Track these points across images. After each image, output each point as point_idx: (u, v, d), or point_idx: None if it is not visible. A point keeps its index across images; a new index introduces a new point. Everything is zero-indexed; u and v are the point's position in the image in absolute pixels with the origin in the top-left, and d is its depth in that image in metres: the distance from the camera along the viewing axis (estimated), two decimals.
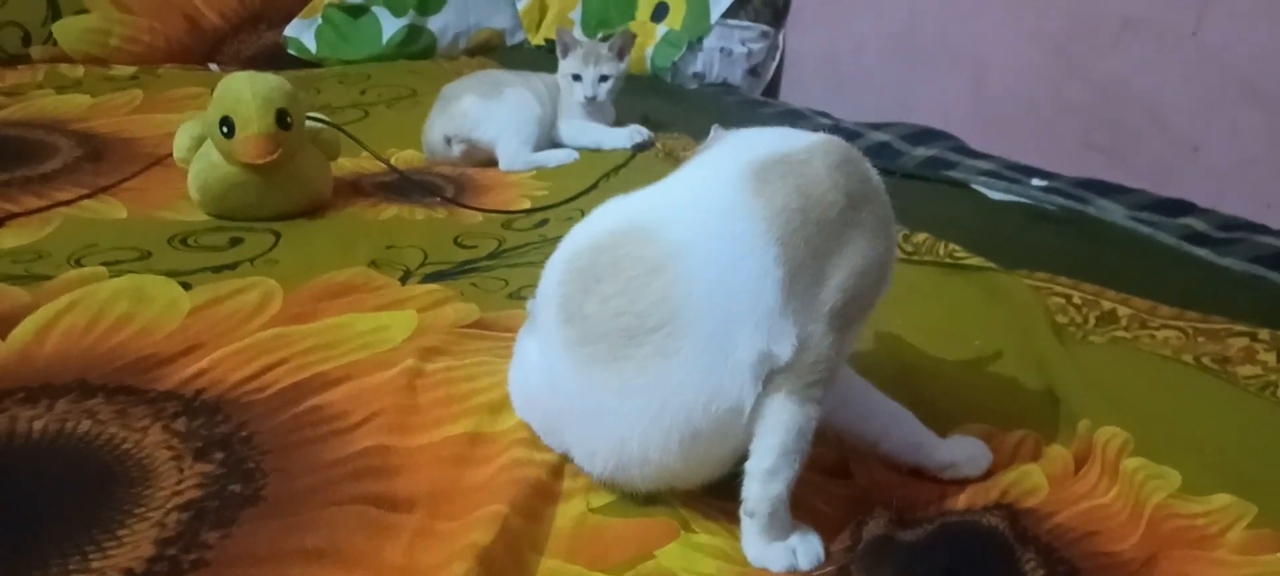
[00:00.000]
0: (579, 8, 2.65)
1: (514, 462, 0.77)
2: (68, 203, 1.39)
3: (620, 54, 1.79)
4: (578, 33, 1.86)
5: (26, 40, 2.29)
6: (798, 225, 0.69)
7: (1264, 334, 1.01)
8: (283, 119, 1.36)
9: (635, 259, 0.70)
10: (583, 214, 1.41)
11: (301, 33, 2.56)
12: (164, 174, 1.52)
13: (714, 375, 0.68)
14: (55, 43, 2.31)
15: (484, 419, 0.84)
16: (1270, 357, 0.97)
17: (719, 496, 0.74)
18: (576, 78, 1.76)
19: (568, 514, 0.74)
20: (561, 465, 0.78)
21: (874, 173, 0.76)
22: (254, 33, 2.55)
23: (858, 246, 0.71)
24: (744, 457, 0.71)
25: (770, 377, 0.69)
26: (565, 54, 1.78)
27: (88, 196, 1.42)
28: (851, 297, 0.71)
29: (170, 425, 0.81)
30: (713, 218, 0.71)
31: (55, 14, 2.32)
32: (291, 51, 2.55)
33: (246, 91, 1.35)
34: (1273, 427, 0.87)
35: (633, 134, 1.80)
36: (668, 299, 0.68)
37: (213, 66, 2.46)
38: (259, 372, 0.91)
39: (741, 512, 0.71)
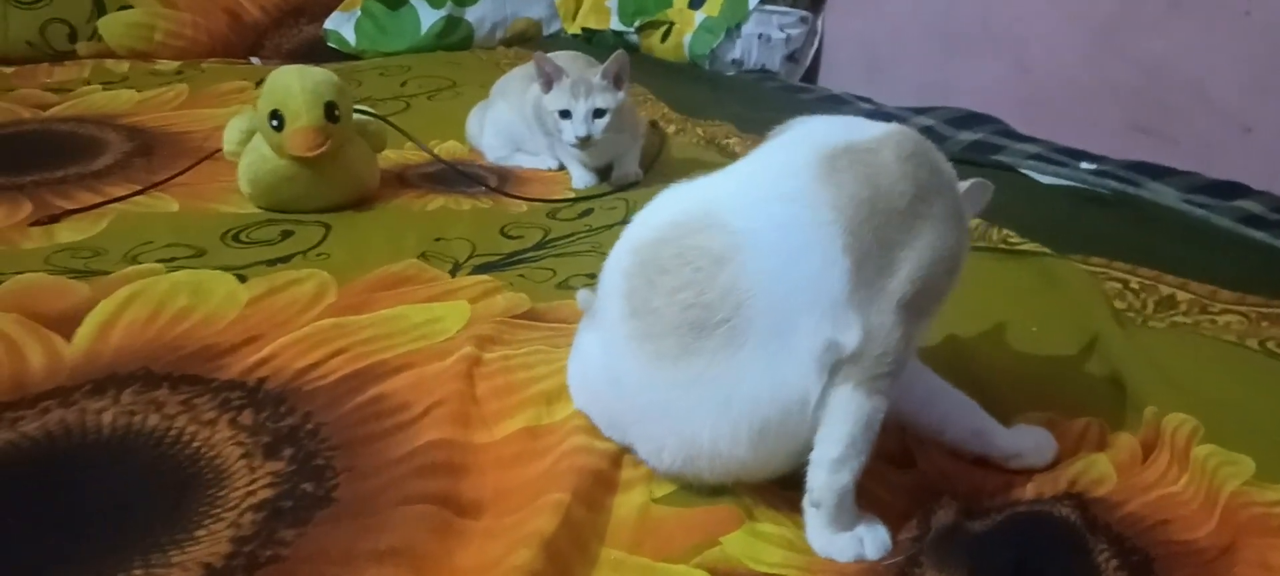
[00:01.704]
0: None
1: (574, 450, 0.77)
2: (122, 198, 1.40)
3: (617, 82, 1.48)
4: (566, 63, 1.55)
5: (73, 36, 2.33)
6: (866, 215, 0.69)
7: None
8: (331, 112, 1.37)
9: (700, 250, 0.70)
10: (627, 204, 1.45)
11: (341, 26, 2.58)
12: (213, 167, 1.53)
13: (780, 365, 0.68)
14: (101, 38, 2.35)
15: (542, 409, 0.84)
16: None
17: (783, 486, 0.74)
18: (565, 115, 1.47)
19: (629, 503, 0.74)
20: (620, 454, 0.78)
21: (946, 164, 0.76)
22: (294, 26, 2.57)
23: (928, 238, 0.70)
24: (809, 449, 0.70)
25: (837, 368, 0.69)
26: (547, 86, 1.49)
27: (140, 192, 1.43)
28: (921, 289, 0.70)
29: (237, 418, 0.82)
30: (778, 206, 0.71)
31: (100, 10, 2.35)
32: (331, 44, 2.57)
33: (295, 85, 1.36)
34: None
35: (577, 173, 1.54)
36: (734, 290, 0.68)
37: (254, 60, 2.49)
38: (320, 361, 0.92)
39: (806, 503, 0.71)
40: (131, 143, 1.70)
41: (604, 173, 1.57)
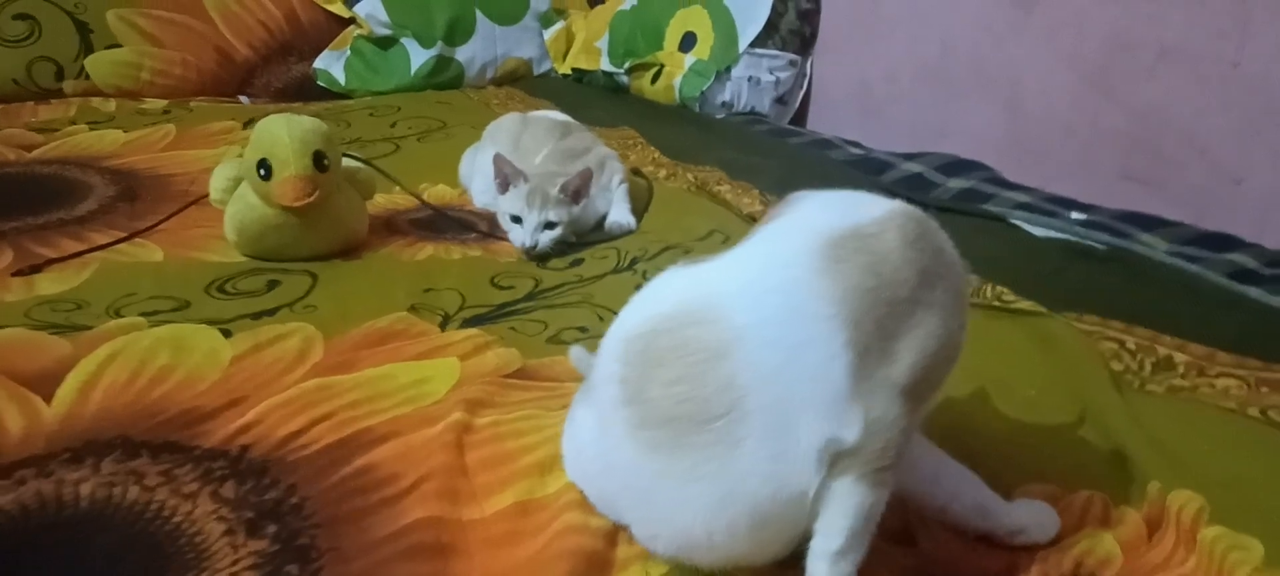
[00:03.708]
0: (606, 37, 2.64)
1: (567, 530, 0.75)
2: (104, 247, 1.38)
3: (575, 197, 1.45)
4: (544, 131, 1.57)
5: (60, 75, 2.31)
6: (868, 305, 0.67)
7: None
8: (319, 161, 1.35)
9: (698, 342, 0.68)
10: (618, 253, 1.44)
11: (331, 65, 2.57)
12: (198, 214, 1.51)
13: (780, 463, 0.66)
14: (87, 77, 2.33)
15: (535, 481, 0.82)
16: None
17: (781, 566, 0.72)
18: (515, 220, 1.43)
19: None
20: (615, 532, 0.76)
21: (949, 245, 0.74)
22: (284, 65, 2.56)
23: (929, 326, 0.69)
24: (808, 534, 0.69)
25: (836, 460, 0.67)
26: (505, 188, 1.45)
27: (124, 240, 1.41)
28: (921, 378, 0.68)
29: (219, 490, 0.80)
30: (778, 298, 0.69)
31: (87, 48, 2.33)
32: (321, 83, 2.56)
33: (283, 134, 1.34)
34: None
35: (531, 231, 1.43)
36: (732, 386, 0.66)
37: (243, 99, 2.48)
38: (304, 428, 0.90)
39: None
40: (115, 186, 1.68)
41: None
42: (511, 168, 1.45)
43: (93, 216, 1.52)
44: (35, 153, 1.88)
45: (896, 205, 0.74)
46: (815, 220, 0.73)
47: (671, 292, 0.74)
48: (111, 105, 2.26)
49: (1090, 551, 0.76)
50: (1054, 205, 1.67)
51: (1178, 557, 0.75)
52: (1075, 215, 1.63)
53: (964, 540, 0.78)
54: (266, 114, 2.17)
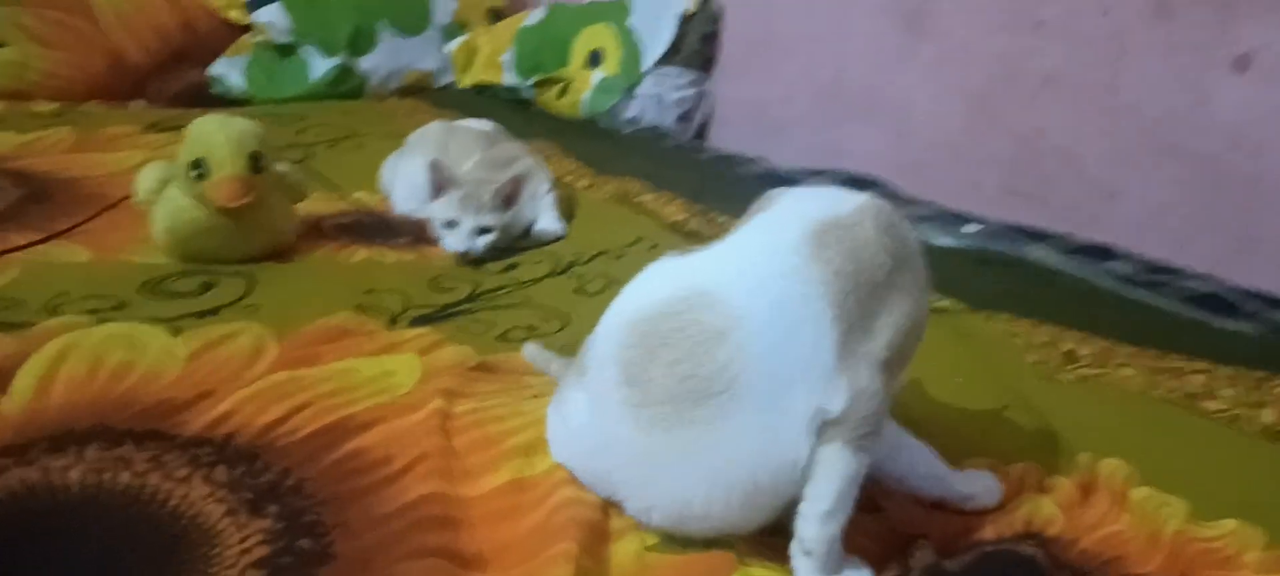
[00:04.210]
0: (511, 51, 2.68)
1: (566, 503, 0.79)
2: (22, 247, 1.34)
3: (507, 202, 1.49)
4: (472, 140, 1.61)
5: None
6: (851, 288, 0.74)
7: (1220, 370, 1.10)
8: (256, 162, 1.35)
9: (699, 325, 0.73)
10: (553, 257, 1.48)
11: (228, 71, 2.52)
12: (118, 216, 1.49)
13: (774, 433, 0.72)
14: None
15: (523, 462, 0.86)
16: (1230, 392, 1.06)
17: (767, 533, 0.78)
18: (450, 225, 1.46)
19: (625, 551, 0.76)
20: (607, 506, 0.80)
21: (912, 233, 0.82)
22: (178, 71, 2.50)
23: (902, 304, 0.76)
24: (795, 503, 0.74)
25: (825, 429, 0.73)
26: (438, 192, 1.47)
27: (44, 240, 1.37)
28: (896, 351, 0.75)
29: (211, 474, 0.80)
30: (773, 284, 0.75)
31: None
32: (216, 91, 2.51)
33: (219, 134, 1.33)
34: (1250, 457, 0.95)
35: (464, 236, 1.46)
36: (731, 364, 0.72)
37: (138, 103, 2.40)
38: (285, 416, 0.91)
39: (796, 551, 0.75)
40: (22, 188, 1.62)
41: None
42: (446, 173, 1.48)
43: (6, 217, 1.47)
44: None
45: (868, 197, 0.81)
46: (799, 212, 0.79)
47: (668, 281, 0.79)
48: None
49: (1035, 512, 0.84)
50: (949, 218, 1.80)
51: (1112, 515, 0.84)
52: (967, 228, 1.75)
53: (922, 506, 0.85)
54: (158, 120, 2.15)
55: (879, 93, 2.24)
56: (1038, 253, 1.63)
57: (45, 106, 2.22)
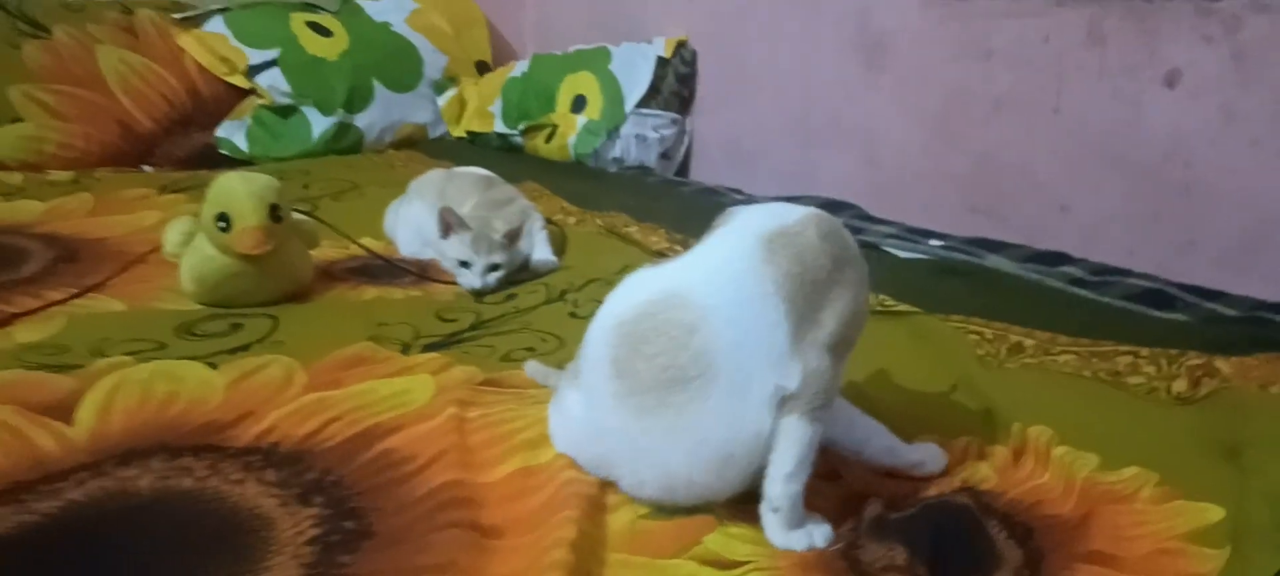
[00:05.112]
0: (499, 102, 2.83)
1: (568, 482, 0.92)
2: (63, 301, 1.47)
3: (511, 241, 1.64)
4: (471, 185, 1.78)
5: None
6: (798, 285, 0.88)
7: (1144, 351, 1.24)
8: (274, 212, 1.48)
9: (674, 321, 0.87)
10: (547, 288, 1.61)
11: (232, 133, 2.66)
12: (145, 269, 1.61)
13: (741, 408, 0.86)
14: None
15: (529, 454, 0.99)
16: (1151, 369, 1.20)
17: (741, 501, 0.91)
18: (464, 265, 1.61)
19: (621, 520, 0.89)
20: (605, 484, 0.93)
21: (851, 239, 0.95)
22: (185, 135, 2.64)
23: (843, 298, 0.90)
24: (762, 471, 0.88)
25: (783, 404, 0.87)
26: (446, 233, 1.61)
27: (82, 293, 1.50)
28: (839, 336, 0.89)
29: (262, 476, 0.93)
30: (733, 284, 0.88)
31: None
32: (223, 151, 2.65)
33: (241, 189, 1.47)
34: (1159, 419, 1.09)
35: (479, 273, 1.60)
36: (703, 352, 0.85)
37: (146, 168, 2.54)
38: (320, 428, 1.04)
39: (763, 509, 0.88)
40: (53, 249, 1.75)
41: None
42: (457, 218, 1.62)
43: (41, 276, 1.60)
44: None
45: (811, 210, 0.95)
46: (752, 224, 0.93)
47: (644, 287, 0.92)
48: (18, 177, 2.30)
49: (972, 474, 0.98)
50: (915, 235, 1.94)
51: (1037, 472, 0.98)
52: (933, 242, 1.90)
53: (876, 474, 0.99)
54: (171, 182, 2.29)
55: (845, 121, 2.40)
56: (995, 261, 1.77)
57: (61, 175, 2.35)
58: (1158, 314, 1.49)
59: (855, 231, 1.97)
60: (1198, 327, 1.38)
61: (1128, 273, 1.69)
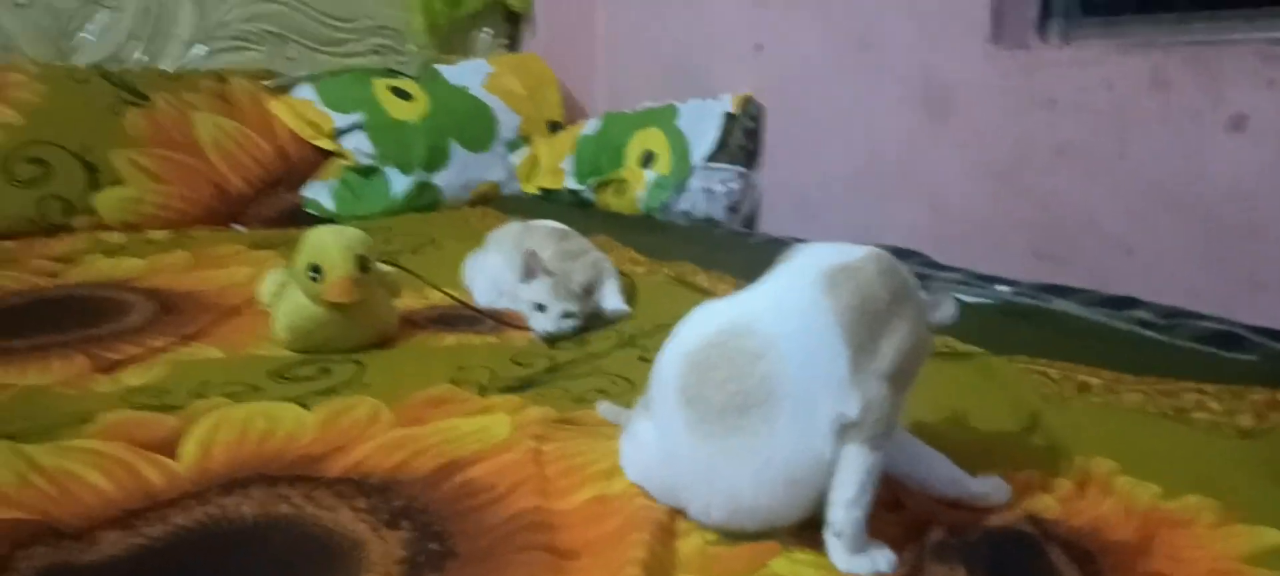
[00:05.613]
0: (570, 159, 2.92)
1: (639, 509, 0.97)
2: (163, 348, 1.57)
3: (587, 292, 1.71)
4: (547, 237, 1.84)
5: (68, 211, 2.49)
6: (858, 316, 0.92)
7: (1210, 388, 1.25)
8: (363, 264, 1.57)
9: (741, 350, 0.92)
10: (618, 333, 1.67)
11: (318, 193, 2.79)
12: (239, 320, 1.71)
13: (805, 434, 0.90)
14: (95, 212, 2.52)
15: (603, 484, 1.04)
16: (1216, 405, 1.20)
17: (804, 528, 0.94)
18: (540, 308, 1.66)
19: (690, 545, 0.93)
20: (674, 512, 0.98)
21: (910, 275, 0.99)
22: (274, 195, 2.78)
23: (900, 329, 0.93)
24: (825, 497, 0.91)
25: (844, 432, 0.90)
26: (528, 278, 1.67)
27: (180, 343, 1.60)
28: (898, 367, 0.93)
29: (353, 503, 1.00)
30: (796, 315, 0.93)
31: (95, 186, 2.52)
32: (309, 210, 2.78)
33: (332, 242, 1.56)
34: (1222, 450, 1.10)
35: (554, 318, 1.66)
36: (768, 379, 0.90)
37: (237, 227, 2.68)
38: (406, 460, 1.10)
39: (828, 535, 0.91)
40: (153, 303, 1.86)
41: None
42: (540, 263, 1.69)
43: (144, 327, 1.70)
44: (60, 278, 2.06)
45: (871, 249, 0.99)
46: (814, 260, 0.98)
47: (712, 319, 0.98)
48: (120, 237, 2.45)
49: (1035, 505, 1.00)
50: (982, 281, 1.96)
51: (1099, 500, 1.00)
52: (1000, 287, 1.91)
53: (940, 504, 1.01)
54: (262, 239, 2.41)
55: (909, 173, 2.43)
56: (1062, 305, 1.78)
57: (160, 234, 2.50)
58: (1227, 354, 1.48)
59: (922, 278, 2.01)
60: (1266, 366, 1.38)
61: (1198, 315, 1.69)
